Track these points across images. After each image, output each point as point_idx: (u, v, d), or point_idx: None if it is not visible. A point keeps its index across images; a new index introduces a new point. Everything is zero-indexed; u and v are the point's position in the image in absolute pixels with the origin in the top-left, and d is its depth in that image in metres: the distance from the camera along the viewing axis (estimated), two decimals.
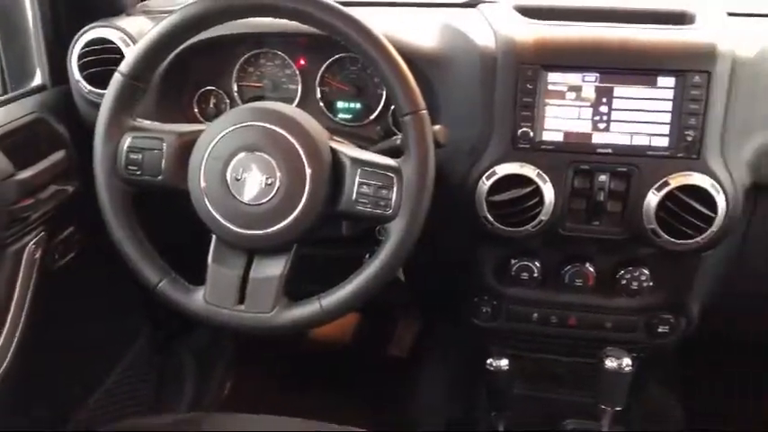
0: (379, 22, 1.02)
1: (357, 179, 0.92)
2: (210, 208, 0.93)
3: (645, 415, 1.37)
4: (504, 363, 1.23)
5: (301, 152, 0.91)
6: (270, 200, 0.91)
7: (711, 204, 1.03)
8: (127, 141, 0.96)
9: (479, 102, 1.09)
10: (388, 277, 0.93)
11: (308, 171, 0.90)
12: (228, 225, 0.92)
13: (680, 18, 1.12)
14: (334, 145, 0.94)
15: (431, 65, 1.11)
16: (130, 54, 0.96)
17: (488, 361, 1.23)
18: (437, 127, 0.98)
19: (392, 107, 1.17)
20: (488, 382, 1.27)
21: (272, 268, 0.95)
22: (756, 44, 1.07)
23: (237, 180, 0.92)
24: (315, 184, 0.90)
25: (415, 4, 1.32)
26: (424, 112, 0.91)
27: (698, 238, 1.04)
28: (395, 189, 0.91)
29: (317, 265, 1.08)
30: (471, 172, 1.09)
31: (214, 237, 0.96)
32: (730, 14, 1.15)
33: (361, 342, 1.97)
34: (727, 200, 1.03)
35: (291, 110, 0.96)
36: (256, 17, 0.95)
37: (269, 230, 0.91)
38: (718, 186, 1.03)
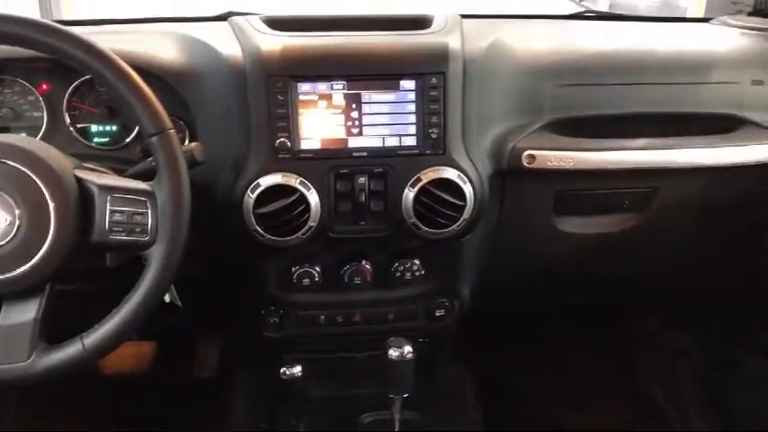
0: (119, 40, 0.99)
1: (108, 207, 0.88)
2: None
3: (437, 396, 1.45)
4: (297, 369, 1.25)
5: (41, 185, 0.85)
6: (11, 240, 0.84)
7: (460, 194, 1.11)
8: None
9: (235, 115, 1.10)
10: (153, 304, 0.90)
11: (52, 205, 0.85)
12: None
13: (419, 23, 1.20)
14: (80, 174, 0.89)
15: (180, 81, 1.10)
16: None
17: (282, 369, 1.25)
18: (193, 144, 0.97)
19: None
20: (285, 390, 1.28)
21: (25, 313, 0.88)
22: (484, 43, 1.17)
23: None
24: (60, 219, 0.85)
25: (167, 20, 1.29)
26: (171, 131, 0.89)
27: (453, 227, 1.13)
28: (150, 213, 0.88)
29: (86, 300, 1.02)
30: (236, 186, 1.09)
31: None
32: (464, 16, 1.24)
33: (163, 369, 1.89)
34: (473, 188, 1.12)
35: (26, 141, 0.89)
36: None
37: (14, 273, 0.85)
38: (464, 177, 1.11)
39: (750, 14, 1.43)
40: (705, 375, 1.77)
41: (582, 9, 1.64)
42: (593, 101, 1.21)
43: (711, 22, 1.45)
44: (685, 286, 1.60)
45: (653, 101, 1.22)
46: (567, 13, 1.52)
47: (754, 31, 1.33)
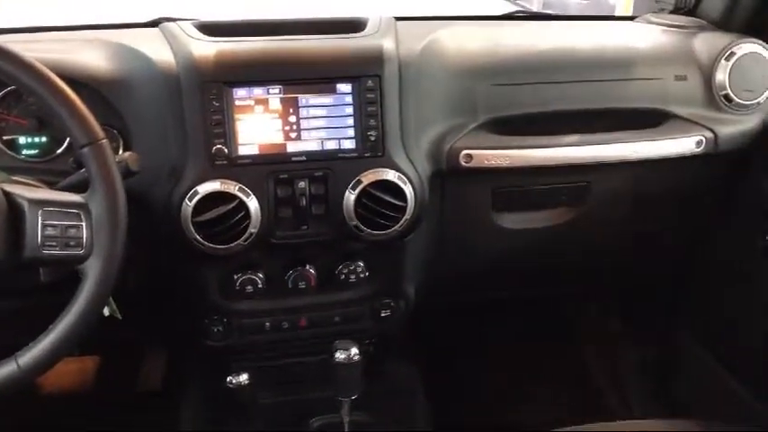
0: (45, 49, 0.96)
1: (40, 221, 0.85)
2: None
3: (387, 396, 1.45)
4: (243, 377, 1.23)
5: None
6: None
7: (401, 195, 1.12)
8: None
9: (170, 123, 1.08)
10: (92, 319, 0.88)
11: None
12: None
13: (353, 26, 1.20)
14: (8, 188, 0.86)
15: (111, 89, 1.08)
16: None
17: (228, 378, 1.23)
18: (127, 154, 0.95)
19: None
20: (232, 399, 1.27)
21: None
22: (419, 46, 1.19)
23: None
24: None
25: (95, 27, 1.26)
26: (104, 141, 0.87)
27: (395, 227, 1.14)
28: (84, 226, 0.86)
29: (24, 317, 0.99)
30: (173, 194, 1.07)
31: None
32: (398, 19, 1.26)
33: (107, 384, 1.85)
34: (413, 189, 1.13)
35: None
36: None
37: None
38: (404, 178, 1.12)
39: (671, 12, 1.48)
40: (647, 363, 1.83)
41: (515, 8, 1.67)
42: (526, 99, 1.24)
43: (636, 20, 1.50)
44: (625, 275, 1.65)
45: (583, 98, 1.26)
46: (499, 13, 1.55)
47: (675, 29, 1.38)
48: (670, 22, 1.41)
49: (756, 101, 1.29)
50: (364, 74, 1.10)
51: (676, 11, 1.48)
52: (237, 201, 1.07)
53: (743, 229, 1.42)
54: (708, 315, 1.63)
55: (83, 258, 0.86)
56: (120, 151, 1.11)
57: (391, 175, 1.12)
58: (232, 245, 1.09)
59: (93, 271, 0.86)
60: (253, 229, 1.09)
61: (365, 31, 1.18)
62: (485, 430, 1.60)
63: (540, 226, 1.35)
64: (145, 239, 1.07)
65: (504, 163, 1.20)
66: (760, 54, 1.27)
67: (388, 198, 1.12)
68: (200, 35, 1.13)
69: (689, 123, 1.28)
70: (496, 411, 1.73)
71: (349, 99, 1.11)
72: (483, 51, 1.25)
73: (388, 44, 1.13)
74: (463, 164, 1.18)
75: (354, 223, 1.13)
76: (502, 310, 1.83)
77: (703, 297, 1.63)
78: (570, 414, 1.72)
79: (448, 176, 1.22)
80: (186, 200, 1.06)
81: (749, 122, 1.31)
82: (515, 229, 1.34)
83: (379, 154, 1.12)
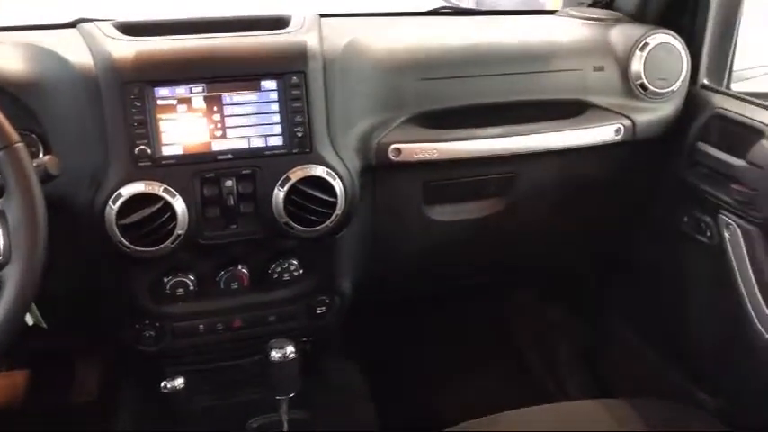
0: None
1: None
2: None
3: (325, 392, 1.46)
4: (178, 381, 1.22)
5: None
6: None
7: (330, 191, 1.13)
8: None
9: (91, 125, 1.06)
10: (12, 329, 0.85)
11: None
12: None
13: (276, 23, 1.20)
14: None
15: (27, 92, 1.04)
16: None
17: (162, 384, 1.21)
18: (46, 158, 0.93)
19: None
20: (169, 404, 1.25)
21: None
22: (342, 42, 1.19)
23: None
24: None
25: (9, 28, 1.22)
26: (19, 145, 0.85)
27: (326, 223, 1.14)
28: (0, 233, 0.84)
29: None
30: (96, 198, 1.05)
31: None
32: (322, 15, 1.26)
33: (40, 397, 1.79)
34: (343, 184, 1.14)
35: None
36: None
37: None
38: (333, 174, 1.13)
39: (590, 6, 1.53)
40: (581, 347, 1.88)
41: (444, 4, 1.69)
42: (452, 93, 1.25)
43: (556, 13, 1.54)
44: (555, 263, 1.69)
45: (508, 90, 1.28)
46: (425, 9, 1.57)
47: (593, 21, 1.43)
48: (588, 15, 1.45)
49: (670, 89, 1.34)
50: (289, 70, 1.10)
51: (594, 4, 1.53)
52: (163, 202, 1.05)
53: (665, 214, 1.48)
54: (636, 299, 1.69)
55: (0, 266, 0.84)
56: (41, 155, 1.08)
57: (320, 170, 1.12)
58: (159, 247, 1.07)
59: (11, 278, 0.84)
60: (180, 231, 1.07)
61: (289, 27, 1.18)
62: (425, 422, 1.62)
63: (472, 217, 1.38)
64: (69, 244, 1.04)
65: (433, 156, 1.22)
66: (672, 44, 1.33)
67: (317, 194, 1.12)
68: (120, 35, 1.11)
69: (608, 112, 1.32)
70: (436, 403, 1.75)
71: (274, 96, 1.10)
72: (408, 47, 1.26)
73: (312, 41, 1.13)
74: (392, 158, 1.20)
75: (284, 220, 1.12)
76: (438, 302, 1.86)
77: (632, 281, 1.68)
78: (510, 402, 1.76)
79: (378, 171, 1.23)
80: (110, 203, 1.04)
81: (665, 110, 1.36)
82: (447, 221, 1.36)
83: (307, 150, 1.12)
